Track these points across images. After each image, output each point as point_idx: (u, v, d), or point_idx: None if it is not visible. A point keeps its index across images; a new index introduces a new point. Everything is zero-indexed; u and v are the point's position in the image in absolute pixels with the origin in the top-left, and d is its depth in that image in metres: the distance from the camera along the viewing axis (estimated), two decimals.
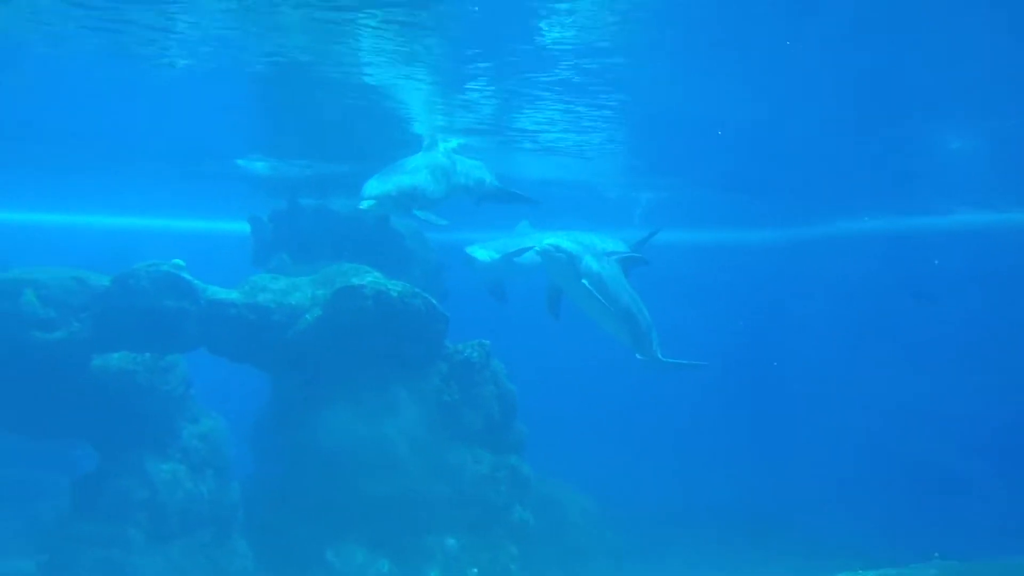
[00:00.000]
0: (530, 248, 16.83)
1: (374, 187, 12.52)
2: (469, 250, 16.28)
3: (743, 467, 24.34)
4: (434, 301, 13.94)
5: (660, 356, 13.63)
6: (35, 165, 22.64)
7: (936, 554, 12.21)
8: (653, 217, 26.89)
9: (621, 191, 24.83)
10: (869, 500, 21.67)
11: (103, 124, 17.79)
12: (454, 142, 15.92)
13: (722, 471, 23.76)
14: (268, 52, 13.03)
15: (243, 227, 19.22)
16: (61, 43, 12.91)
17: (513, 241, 16.66)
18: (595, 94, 14.89)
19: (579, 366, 29.96)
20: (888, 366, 27.16)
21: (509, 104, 15.54)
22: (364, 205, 12.36)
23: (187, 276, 13.51)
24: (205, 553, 14.19)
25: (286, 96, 15.60)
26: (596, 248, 13.38)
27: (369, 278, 13.74)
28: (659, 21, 11.69)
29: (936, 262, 25.75)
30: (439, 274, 18.22)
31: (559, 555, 15.75)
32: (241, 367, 14.41)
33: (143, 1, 11.28)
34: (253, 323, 13.59)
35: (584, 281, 12.11)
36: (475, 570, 13.42)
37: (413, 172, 12.97)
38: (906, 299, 24.19)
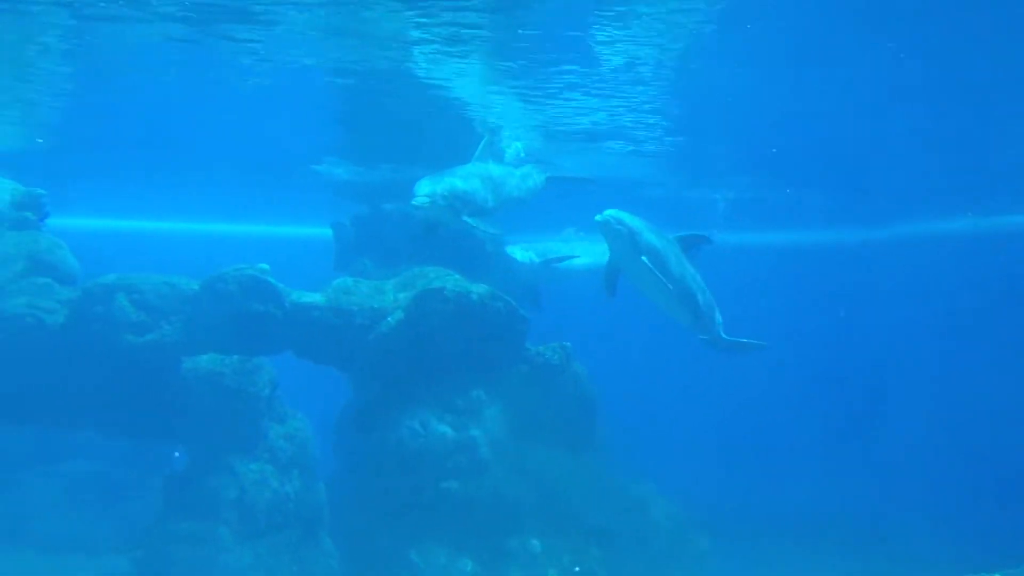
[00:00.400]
0: (572, 257, 16.77)
1: (426, 187, 12.44)
2: (509, 250, 16.07)
3: (834, 471, 23.87)
4: (514, 304, 13.98)
5: (723, 335, 13.15)
6: (129, 174, 23.32)
7: None
8: (734, 217, 26.60)
9: (701, 191, 24.63)
10: (964, 506, 21.08)
11: (192, 132, 18.26)
12: (516, 145, 15.90)
13: (812, 475, 23.33)
14: (351, 60, 13.22)
15: (326, 232, 19.52)
16: (153, 55, 13.27)
17: (554, 246, 16.50)
18: (671, 96, 14.82)
19: (663, 366, 29.76)
20: (983, 368, 26.46)
21: (588, 106, 15.52)
22: (417, 203, 12.26)
23: (272, 280, 13.78)
24: (292, 552, 14.42)
25: (368, 101, 15.79)
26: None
27: (450, 281, 13.84)
28: (742, 23, 11.59)
29: None
30: (519, 276, 18.21)
31: (642, 558, 15.61)
32: (323, 368, 14.63)
33: (234, 14, 11.54)
34: (336, 326, 13.78)
35: (644, 258, 11.72)
36: (553, 572, 13.40)
37: (465, 178, 12.88)
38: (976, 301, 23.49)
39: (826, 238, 30.58)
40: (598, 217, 11.79)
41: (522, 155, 15.74)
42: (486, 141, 13.64)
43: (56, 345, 13.69)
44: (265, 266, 13.92)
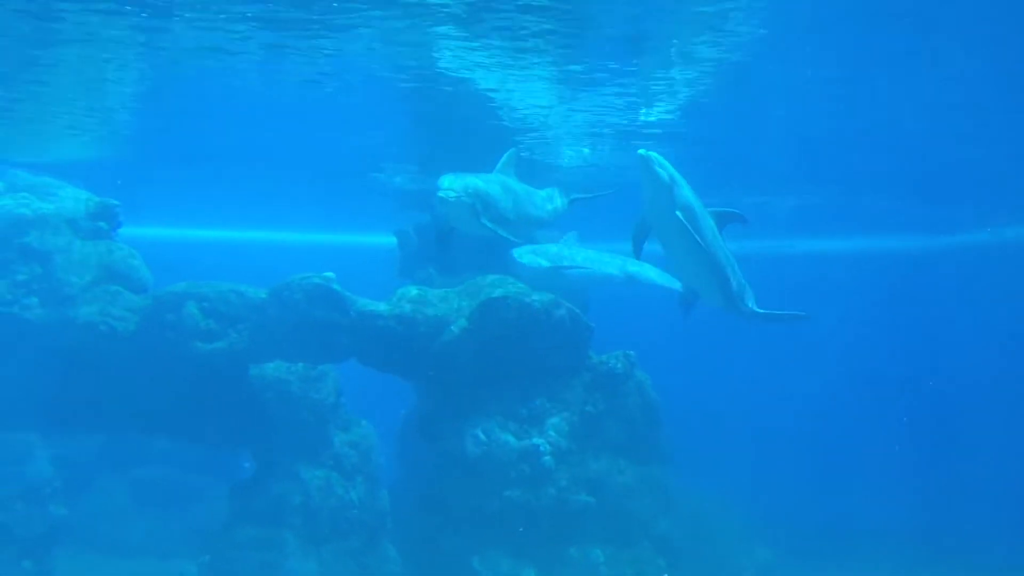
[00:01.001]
0: (582, 268, 16.41)
1: (450, 180, 11.98)
2: (516, 253, 15.73)
3: (905, 479, 23.39)
4: (578, 311, 13.95)
5: (755, 308, 12.37)
6: (200, 183, 23.76)
7: None
8: (801, 224, 26.25)
9: (763, 197, 24.36)
10: None
11: (262, 142, 18.54)
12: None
13: (882, 483, 22.88)
14: (417, 68, 13.32)
15: (390, 240, 19.67)
16: (224, 66, 13.51)
17: (563, 252, 16.17)
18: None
19: (729, 373, 29.46)
20: None
21: (654, 108, 15.45)
22: (442, 195, 11.73)
23: (338, 288, 13.91)
24: (356, 558, 14.53)
25: (432, 110, 15.90)
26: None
27: (513, 289, 13.86)
28: (814, 29, 11.47)
29: None
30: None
31: (706, 570, 15.47)
32: (387, 376, 14.73)
33: (307, 27, 11.70)
34: (400, 334, 13.87)
35: (678, 213, 10.87)
36: None
37: (487, 181, 12.45)
38: None
39: (913, 244, 30.02)
40: (641, 151, 10.94)
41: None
42: (510, 154, 13.28)
43: (128, 352, 13.96)
44: (331, 275, 14.06)
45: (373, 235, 29.07)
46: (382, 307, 14.02)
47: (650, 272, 16.29)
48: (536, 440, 13.43)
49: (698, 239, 10.92)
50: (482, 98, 14.60)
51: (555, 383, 13.83)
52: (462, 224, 12.30)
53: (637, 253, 11.65)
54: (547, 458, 13.39)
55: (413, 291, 14.44)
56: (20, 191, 15.70)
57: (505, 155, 13.14)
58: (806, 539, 18.62)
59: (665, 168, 10.83)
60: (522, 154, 14.66)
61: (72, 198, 15.91)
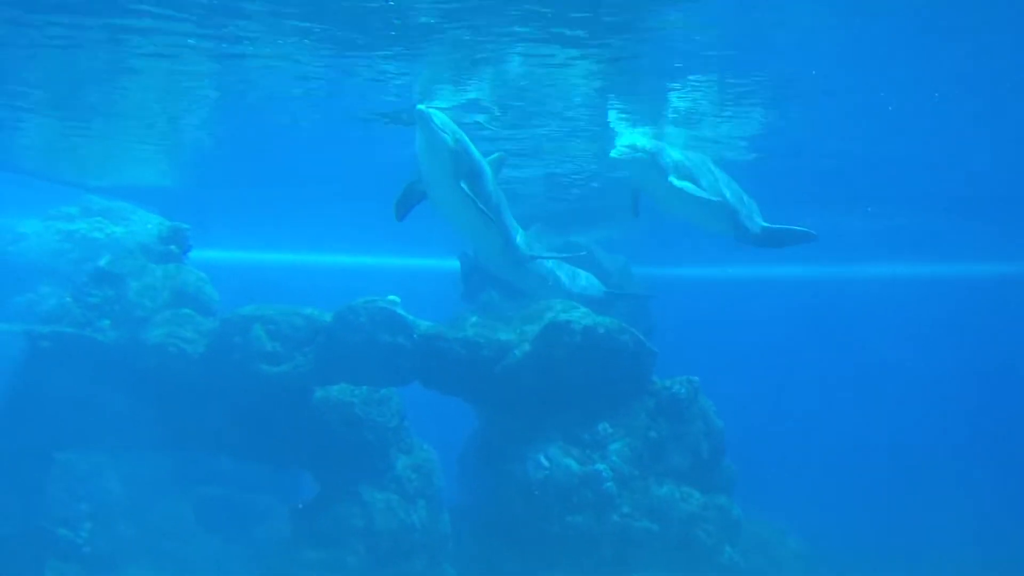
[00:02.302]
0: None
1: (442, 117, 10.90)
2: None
3: (974, 505, 22.80)
4: (642, 336, 13.87)
5: (764, 223, 12.29)
6: (266, 208, 24.14)
7: None
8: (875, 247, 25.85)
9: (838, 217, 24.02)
10: None
11: (327, 167, 18.78)
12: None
13: (952, 510, 22.31)
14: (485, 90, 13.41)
15: (453, 264, 19.76)
16: (291, 92, 13.75)
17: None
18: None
19: (791, 399, 29.06)
20: None
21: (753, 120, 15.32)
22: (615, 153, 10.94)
23: (402, 312, 14.00)
24: None
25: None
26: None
27: (577, 314, 13.81)
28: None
29: None
30: (645, 309, 18.10)
31: None
32: (448, 399, 14.75)
33: (374, 52, 11.88)
34: (463, 358, 13.89)
35: (672, 179, 11.02)
36: None
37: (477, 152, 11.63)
38: None
39: (979, 269, 29.45)
40: (613, 154, 10.97)
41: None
42: (496, 158, 12.59)
43: (196, 374, 14.19)
44: (395, 298, 14.16)
45: (436, 258, 29.23)
46: (444, 330, 14.07)
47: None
48: (599, 465, 13.34)
49: (705, 195, 10.89)
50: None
51: (618, 408, 13.73)
52: (441, 181, 11.41)
53: (634, 215, 11.35)
54: (609, 484, 13.29)
55: (476, 315, 14.49)
56: (94, 215, 16.14)
57: (492, 157, 12.54)
58: (873, 569, 18.23)
59: (640, 149, 10.73)
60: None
61: (144, 222, 16.32)
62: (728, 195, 12.14)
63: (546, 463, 13.37)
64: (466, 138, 11.20)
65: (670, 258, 27.68)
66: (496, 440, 14.17)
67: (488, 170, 11.69)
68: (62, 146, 18.76)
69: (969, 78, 12.43)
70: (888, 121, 14.59)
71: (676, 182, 11.13)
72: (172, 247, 16.10)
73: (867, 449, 27.61)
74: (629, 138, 11.41)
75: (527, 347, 13.74)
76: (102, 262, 15.23)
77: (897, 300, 31.47)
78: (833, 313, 34.95)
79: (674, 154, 11.65)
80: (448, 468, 16.10)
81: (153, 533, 16.88)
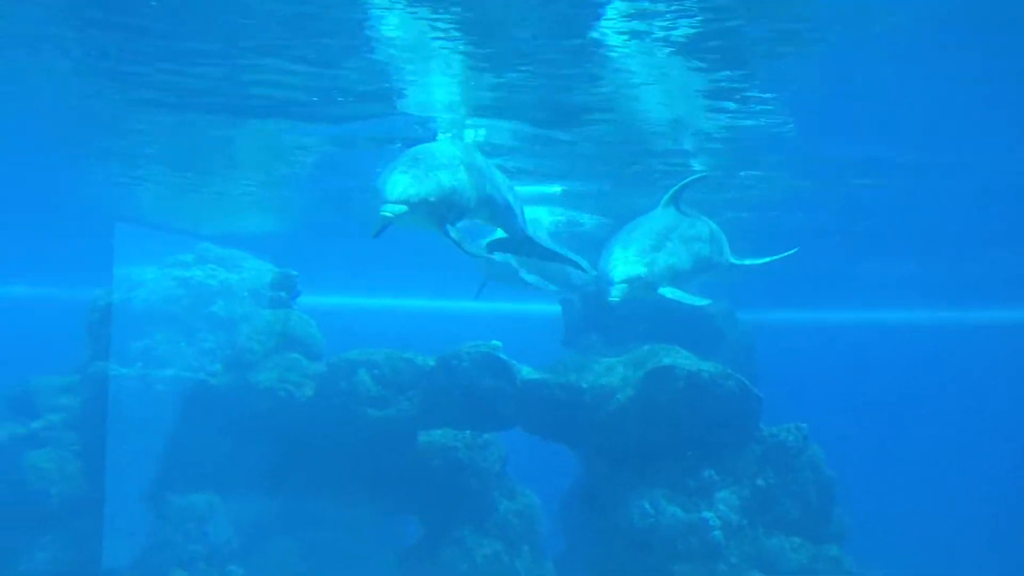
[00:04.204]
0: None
1: (404, 186, 8.66)
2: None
3: None
4: (747, 382, 13.62)
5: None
6: (368, 255, 24.62)
7: None
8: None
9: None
10: None
11: None
12: None
13: None
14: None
15: (555, 308, 19.77)
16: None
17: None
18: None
19: (908, 447, 28.12)
20: None
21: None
22: (389, 212, 8.55)
23: (504, 357, 14.05)
24: None
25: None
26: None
27: (681, 359, 13.65)
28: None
29: None
30: (750, 354, 17.80)
31: None
32: (549, 444, 14.69)
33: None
34: (565, 402, 13.84)
35: (663, 291, 10.56)
36: None
37: (451, 167, 9.18)
38: None
39: None
40: (614, 297, 10.18)
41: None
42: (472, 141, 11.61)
43: (303, 418, 14.45)
44: (498, 343, 14.23)
45: (537, 303, 29.30)
46: (547, 375, 14.06)
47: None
48: (705, 513, 13.09)
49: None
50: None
51: (724, 455, 13.47)
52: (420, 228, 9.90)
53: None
54: (717, 532, 13.01)
55: (578, 359, 14.44)
56: (208, 263, 16.59)
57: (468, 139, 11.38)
58: None
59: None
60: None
61: (255, 269, 16.71)
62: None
63: (651, 510, 13.17)
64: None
65: (773, 302, 27.21)
66: (599, 486, 14.03)
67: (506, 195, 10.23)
68: (179, 198, 19.58)
69: None
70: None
71: (668, 293, 10.73)
72: (281, 293, 16.47)
73: (988, 500, 26.50)
74: (622, 267, 10.47)
75: (630, 392, 13.62)
76: (215, 307, 15.68)
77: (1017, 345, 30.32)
78: (951, 358, 33.85)
79: (660, 259, 10.78)
80: (550, 514, 15.98)
81: (262, 575, 17.10)
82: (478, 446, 14.80)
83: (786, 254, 13.01)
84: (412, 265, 26.32)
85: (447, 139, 10.74)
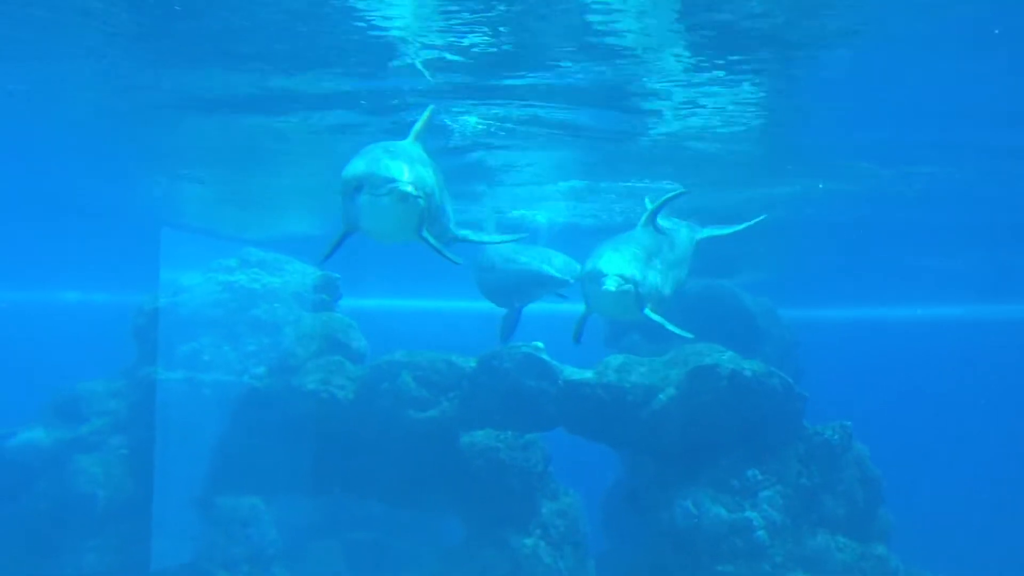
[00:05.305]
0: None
1: (410, 177, 8.13)
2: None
3: None
4: (790, 380, 13.53)
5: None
6: (406, 257, 24.72)
7: None
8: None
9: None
10: None
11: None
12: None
13: None
14: None
15: None
16: None
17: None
18: None
19: (951, 445, 27.77)
20: None
21: None
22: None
23: (546, 357, 14.05)
24: None
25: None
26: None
27: (723, 357, 13.58)
28: None
29: None
30: (793, 352, 17.68)
31: None
32: (592, 445, 14.67)
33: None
34: (607, 402, 13.81)
35: (647, 311, 10.14)
36: None
37: (422, 162, 8.70)
38: None
39: None
40: (610, 286, 9.76)
41: None
42: (428, 113, 9.78)
43: (346, 419, 14.53)
44: (540, 344, 14.23)
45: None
46: (589, 375, 14.03)
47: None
48: (749, 513, 13.01)
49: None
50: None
51: (767, 454, 13.38)
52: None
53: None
54: (761, 532, 12.93)
55: (620, 359, 14.38)
56: (251, 267, 16.76)
57: (424, 115, 9.65)
58: None
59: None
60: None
61: (298, 272, 16.85)
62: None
63: (694, 510, 13.12)
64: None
65: (816, 299, 26.99)
66: (642, 486, 14.00)
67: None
68: (223, 205, 19.83)
69: None
70: None
71: (652, 315, 10.26)
72: (324, 296, 16.59)
73: None
74: (618, 264, 9.87)
75: (672, 391, 13.57)
76: (258, 311, 15.84)
77: None
78: (999, 354, 33.35)
79: (650, 275, 10.35)
80: (593, 514, 15.95)
81: None
82: (520, 446, 14.79)
83: (754, 221, 12.61)
84: (451, 267, 26.39)
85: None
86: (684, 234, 11.91)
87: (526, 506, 14.83)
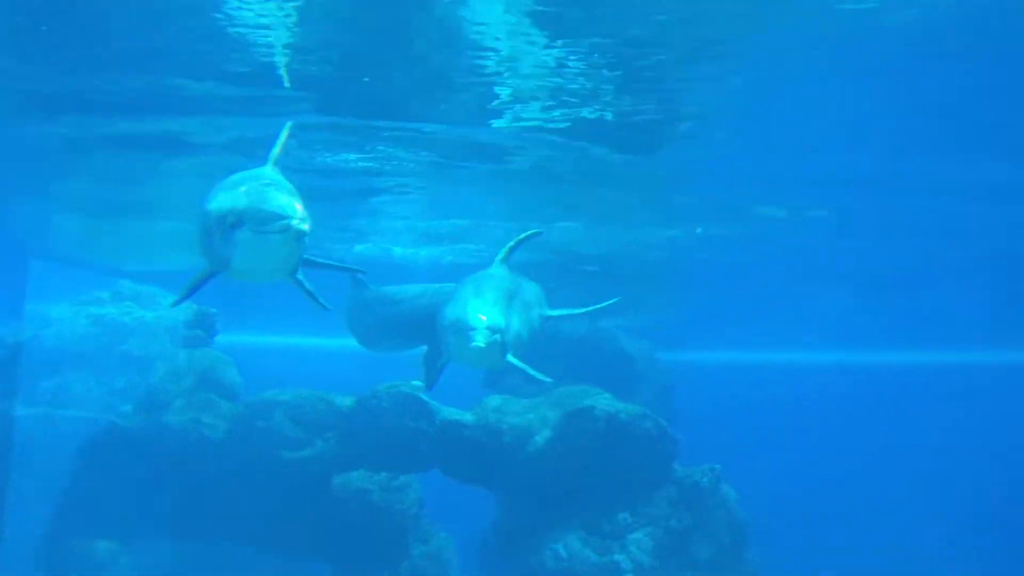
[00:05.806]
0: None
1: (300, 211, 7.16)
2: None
3: None
4: (664, 424, 13.73)
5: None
6: (289, 296, 24.35)
7: None
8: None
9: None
10: None
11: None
12: None
13: None
14: None
15: None
16: None
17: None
18: None
19: (824, 489, 28.48)
20: None
21: None
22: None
23: (425, 397, 13.98)
24: None
25: None
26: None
27: (601, 400, 13.72)
28: None
29: None
30: (669, 395, 17.98)
31: None
32: (467, 487, 14.59)
33: None
34: (485, 444, 13.79)
35: (510, 357, 9.96)
36: None
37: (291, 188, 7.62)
38: None
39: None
40: (479, 342, 9.40)
41: None
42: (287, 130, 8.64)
43: (217, 459, 14.19)
44: (419, 383, 14.14)
45: None
46: (467, 417, 14.00)
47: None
48: (617, 556, 13.09)
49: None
50: None
51: (639, 497, 13.52)
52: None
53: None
54: (628, 575, 13.04)
55: (497, 400, 14.40)
56: (124, 300, 16.36)
57: (283, 131, 8.55)
58: None
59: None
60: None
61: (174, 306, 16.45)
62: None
63: (564, 553, 13.14)
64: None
65: (696, 342, 27.52)
66: (516, 529, 13.96)
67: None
68: (96, 236, 19.21)
69: None
70: None
71: (514, 361, 10.10)
72: (199, 331, 16.26)
73: (905, 537, 26.91)
74: (484, 311, 9.57)
75: (548, 433, 13.62)
76: (128, 346, 15.41)
77: (929, 384, 31.03)
78: (865, 398, 34.50)
79: (512, 320, 10.09)
80: (468, 557, 15.84)
81: None
82: (394, 488, 14.66)
83: (607, 303, 12.60)
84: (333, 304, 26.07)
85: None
86: (536, 287, 11.50)
87: (397, 549, 14.66)
